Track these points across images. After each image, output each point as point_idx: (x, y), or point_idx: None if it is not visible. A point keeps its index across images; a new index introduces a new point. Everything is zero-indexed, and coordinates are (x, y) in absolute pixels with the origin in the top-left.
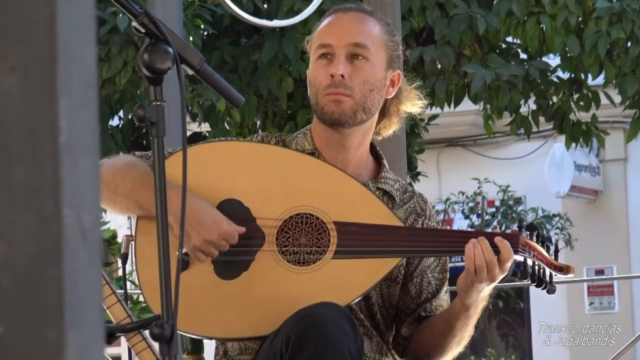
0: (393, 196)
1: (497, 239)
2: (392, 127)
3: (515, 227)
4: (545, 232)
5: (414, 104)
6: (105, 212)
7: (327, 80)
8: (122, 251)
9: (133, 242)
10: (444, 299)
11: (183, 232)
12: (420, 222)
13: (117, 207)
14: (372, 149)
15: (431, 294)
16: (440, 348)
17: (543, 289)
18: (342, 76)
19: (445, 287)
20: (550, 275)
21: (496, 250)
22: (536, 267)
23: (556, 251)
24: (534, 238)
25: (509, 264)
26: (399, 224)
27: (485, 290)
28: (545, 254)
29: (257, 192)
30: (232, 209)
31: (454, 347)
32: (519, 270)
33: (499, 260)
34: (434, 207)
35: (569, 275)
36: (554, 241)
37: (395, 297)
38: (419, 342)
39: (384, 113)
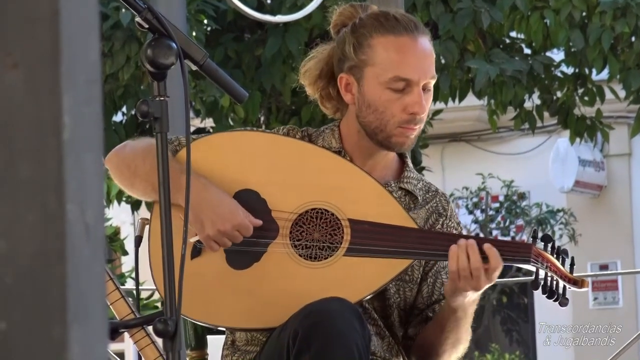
0: (416, 196)
1: (486, 246)
2: None
3: (519, 222)
4: (553, 233)
5: None
6: (125, 197)
7: (404, 116)
8: (136, 234)
9: (148, 226)
10: None
11: (187, 229)
12: (440, 222)
13: (134, 189)
14: None
15: (442, 296)
16: (435, 350)
17: (555, 300)
18: None
19: None
20: (564, 287)
21: (484, 257)
22: (548, 279)
23: (572, 264)
24: (549, 249)
25: (496, 274)
26: (413, 226)
27: (471, 296)
28: (559, 265)
29: (275, 184)
30: (249, 199)
31: (448, 349)
32: (529, 278)
33: (487, 268)
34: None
35: (583, 289)
36: (564, 246)
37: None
38: (420, 343)
39: None
